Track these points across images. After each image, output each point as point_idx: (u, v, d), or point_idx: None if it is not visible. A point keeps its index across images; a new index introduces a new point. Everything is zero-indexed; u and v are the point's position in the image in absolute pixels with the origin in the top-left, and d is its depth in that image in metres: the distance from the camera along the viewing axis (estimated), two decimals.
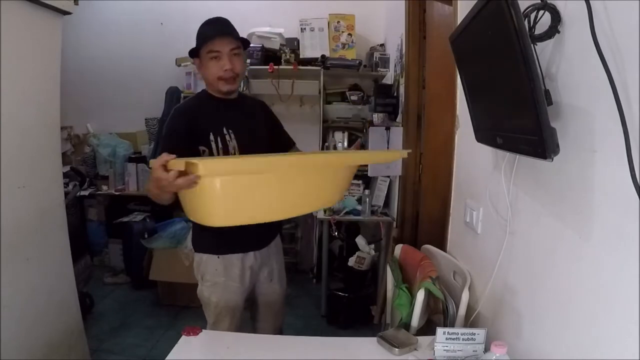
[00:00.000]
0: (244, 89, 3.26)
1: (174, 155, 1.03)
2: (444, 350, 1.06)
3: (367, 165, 3.28)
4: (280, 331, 1.71)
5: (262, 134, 1.54)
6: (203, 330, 1.24)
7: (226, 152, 1.42)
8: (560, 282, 0.90)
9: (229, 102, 1.49)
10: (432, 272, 1.33)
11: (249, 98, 1.68)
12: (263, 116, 1.61)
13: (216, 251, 1.48)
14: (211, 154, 1.41)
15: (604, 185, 0.76)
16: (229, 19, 1.49)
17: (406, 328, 1.27)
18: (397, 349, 1.13)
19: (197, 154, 1.41)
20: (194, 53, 1.46)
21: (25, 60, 1.64)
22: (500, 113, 0.99)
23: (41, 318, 1.74)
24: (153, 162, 1.04)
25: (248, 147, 1.45)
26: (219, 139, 1.42)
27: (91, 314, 2.73)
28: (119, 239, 3.34)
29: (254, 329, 1.65)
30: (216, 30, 1.41)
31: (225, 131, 1.44)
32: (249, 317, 1.66)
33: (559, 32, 0.87)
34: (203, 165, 0.89)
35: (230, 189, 1.02)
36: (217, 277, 1.48)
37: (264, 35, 3.30)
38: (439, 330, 1.06)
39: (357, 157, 1.30)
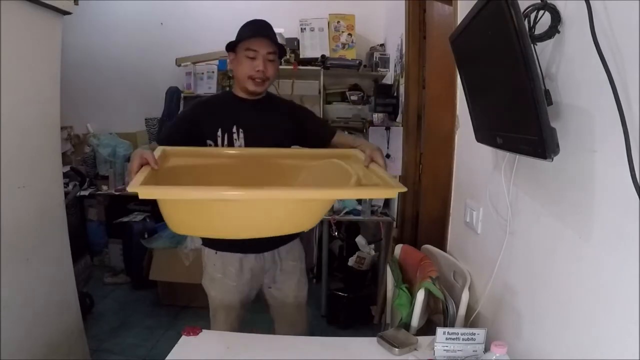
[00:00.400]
0: None
1: (151, 168, 1.08)
2: (444, 350, 1.06)
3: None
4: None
5: (279, 135, 1.52)
6: (203, 330, 1.24)
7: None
8: (560, 282, 0.90)
9: (250, 103, 1.51)
10: (432, 272, 1.33)
11: (277, 99, 1.67)
12: (287, 117, 1.58)
13: (215, 247, 1.52)
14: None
15: (604, 185, 0.76)
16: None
17: (406, 328, 1.27)
18: (397, 349, 1.13)
19: (204, 145, 1.47)
20: (230, 47, 1.48)
21: (25, 60, 1.64)
22: (500, 113, 0.99)
23: (41, 318, 1.74)
24: (141, 152, 1.11)
25: (253, 146, 1.47)
26: (225, 136, 1.46)
27: (91, 314, 2.73)
28: (119, 239, 3.34)
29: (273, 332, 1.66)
30: (257, 30, 1.45)
31: (234, 129, 1.46)
32: (248, 318, 1.65)
33: (559, 32, 0.87)
34: (140, 192, 0.91)
35: (179, 207, 1.07)
36: (215, 273, 1.52)
37: None
38: (439, 330, 1.06)
39: (336, 194, 1.17)
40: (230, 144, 1.46)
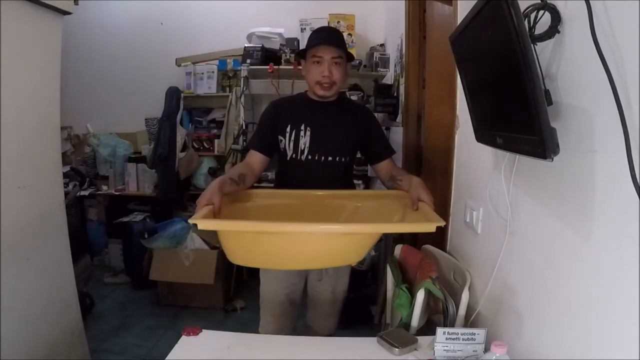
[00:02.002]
0: (244, 89, 3.26)
1: (212, 208, 1.22)
2: (444, 350, 1.06)
3: (366, 165, 3.28)
4: (330, 333, 1.76)
5: (343, 137, 1.61)
6: (203, 330, 1.24)
7: (297, 145, 1.58)
8: (560, 282, 0.90)
9: (321, 104, 1.60)
10: (432, 272, 1.33)
11: (350, 103, 1.76)
12: (354, 122, 1.63)
13: None
14: (285, 144, 1.60)
15: (604, 185, 0.76)
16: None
17: (406, 328, 1.27)
18: (397, 349, 1.13)
19: (277, 141, 1.62)
20: (300, 56, 1.63)
21: (25, 60, 1.64)
22: (500, 113, 0.99)
23: (41, 318, 1.74)
24: (210, 196, 1.24)
25: (317, 145, 1.57)
26: (293, 133, 1.57)
27: (91, 314, 2.73)
28: (119, 239, 3.34)
29: (305, 323, 1.82)
30: (322, 38, 1.55)
31: (302, 127, 1.57)
32: (296, 319, 1.75)
33: (559, 32, 0.87)
34: (199, 224, 1.10)
35: (236, 240, 1.22)
36: None
37: (264, 35, 3.30)
38: (439, 330, 1.06)
39: (377, 229, 1.29)
40: (297, 140, 1.57)
